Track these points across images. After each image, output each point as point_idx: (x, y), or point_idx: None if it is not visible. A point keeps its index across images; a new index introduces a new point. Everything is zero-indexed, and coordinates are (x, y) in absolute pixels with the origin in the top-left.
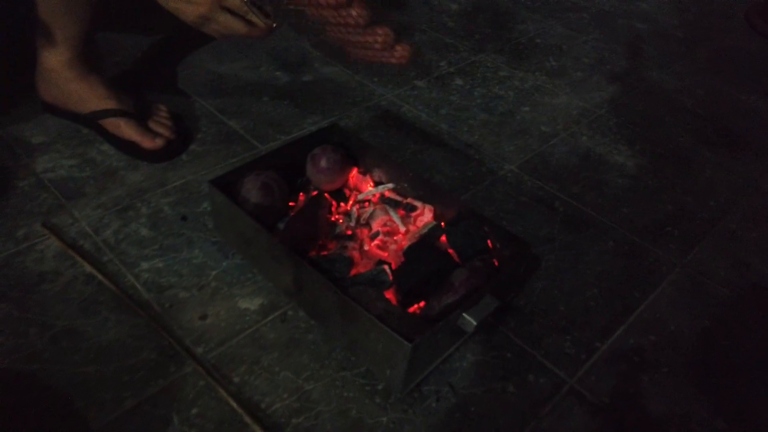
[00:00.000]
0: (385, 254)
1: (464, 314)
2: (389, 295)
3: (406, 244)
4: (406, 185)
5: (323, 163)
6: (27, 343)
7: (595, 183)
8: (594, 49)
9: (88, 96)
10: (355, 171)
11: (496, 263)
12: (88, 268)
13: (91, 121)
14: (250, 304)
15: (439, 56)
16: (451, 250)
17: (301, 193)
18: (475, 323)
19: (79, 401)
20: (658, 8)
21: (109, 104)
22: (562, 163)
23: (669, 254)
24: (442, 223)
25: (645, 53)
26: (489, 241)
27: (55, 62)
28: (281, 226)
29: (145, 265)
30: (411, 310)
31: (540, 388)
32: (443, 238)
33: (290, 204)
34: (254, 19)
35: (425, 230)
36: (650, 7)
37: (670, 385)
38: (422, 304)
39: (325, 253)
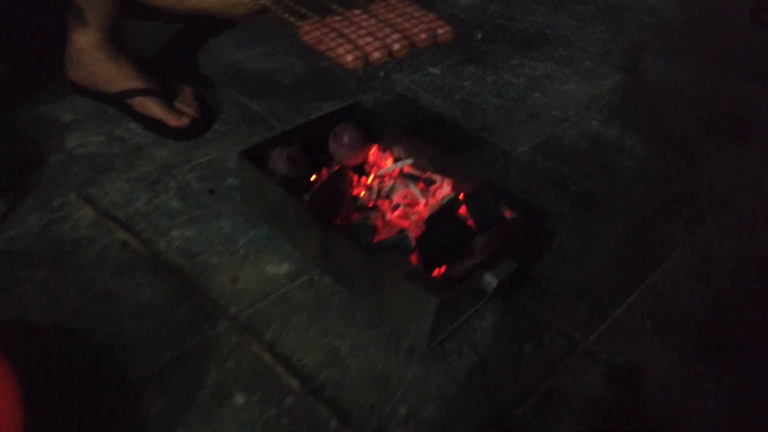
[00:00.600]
0: (407, 223)
1: (486, 273)
2: (412, 260)
3: (426, 214)
4: (424, 161)
5: (345, 139)
6: (66, 303)
7: (606, 165)
8: (601, 40)
9: (116, 76)
10: (375, 148)
11: (514, 231)
12: (122, 235)
13: (119, 100)
14: (278, 270)
15: (451, 45)
16: (470, 221)
17: (324, 168)
18: (495, 282)
19: (120, 354)
20: (663, 3)
21: (137, 84)
22: (573, 146)
23: (678, 231)
24: (461, 195)
25: (651, 46)
26: (507, 212)
27: (86, 43)
28: (306, 198)
29: (176, 233)
30: (433, 275)
31: (556, 348)
32: (462, 209)
33: (312, 179)
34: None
35: (445, 201)
36: (656, 1)
37: (678, 350)
38: (443, 268)
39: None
